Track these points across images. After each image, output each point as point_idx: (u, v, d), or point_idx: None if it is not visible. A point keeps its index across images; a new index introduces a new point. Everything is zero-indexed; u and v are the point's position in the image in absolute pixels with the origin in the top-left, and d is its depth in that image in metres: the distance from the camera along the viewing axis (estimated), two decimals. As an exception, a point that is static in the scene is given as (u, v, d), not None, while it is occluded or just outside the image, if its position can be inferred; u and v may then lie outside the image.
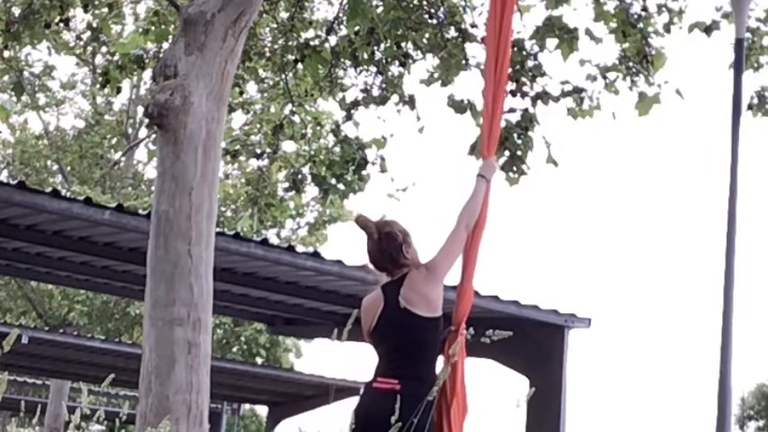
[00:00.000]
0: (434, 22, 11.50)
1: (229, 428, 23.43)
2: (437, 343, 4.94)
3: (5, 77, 15.70)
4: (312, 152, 13.02)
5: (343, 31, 11.96)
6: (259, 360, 26.34)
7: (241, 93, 13.39)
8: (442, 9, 11.54)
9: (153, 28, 11.64)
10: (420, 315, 4.92)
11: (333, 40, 11.99)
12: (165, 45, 11.24)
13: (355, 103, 12.23)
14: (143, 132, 25.66)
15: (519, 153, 11.27)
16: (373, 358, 5.04)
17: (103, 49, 14.58)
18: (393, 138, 12.58)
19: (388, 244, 5.06)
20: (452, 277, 5.13)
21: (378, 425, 4.64)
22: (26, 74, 22.67)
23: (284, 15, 12.44)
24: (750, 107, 11.61)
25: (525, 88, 11.36)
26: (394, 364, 4.89)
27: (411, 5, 11.41)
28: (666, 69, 11.38)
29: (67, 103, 26.24)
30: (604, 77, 11.49)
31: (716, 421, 8.97)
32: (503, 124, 11.32)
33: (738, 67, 9.76)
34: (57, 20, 11.28)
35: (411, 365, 4.86)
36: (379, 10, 11.33)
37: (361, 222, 5.08)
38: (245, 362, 23.47)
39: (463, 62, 11.39)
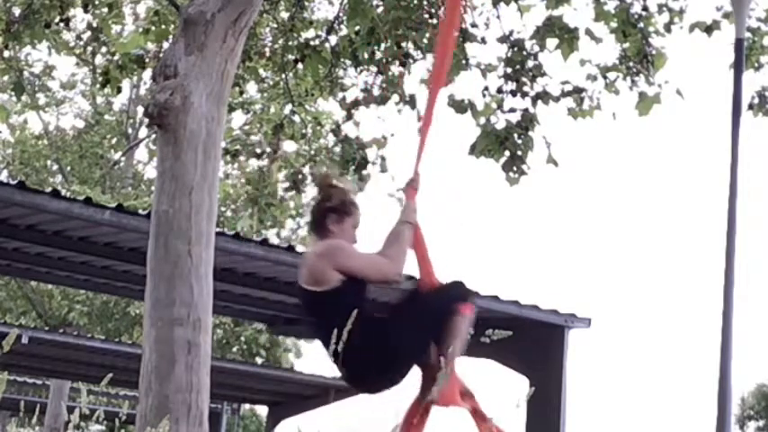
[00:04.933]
0: (434, 22, 11.50)
1: (229, 428, 23.42)
2: (346, 306, 4.51)
3: (5, 77, 15.69)
4: (312, 152, 13.03)
5: (344, 31, 11.97)
6: (259, 360, 26.34)
7: (241, 93, 13.39)
8: (442, 9, 11.53)
9: (153, 28, 11.64)
10: (313, 290, 4.68)
11: (333, 39, 11.99)
12: (165, 45, 11.23)
13: (355, 103, 12.23)
14: (143, 132, 25.68)
15: (519, 153, 11.28)
16: None
17: (103, 49, 14.57)
18: (393, 137, 12.60)
19: (320, 203, 4.84)
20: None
21: None
22: (26, 74, 22.67)
23: (284, 15, 12.45)
24: (750, 107, 11.62)
25: (525, 88, 11.36)
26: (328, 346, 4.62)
27: (411, 5, 11.41)
28: (667, 69, 11.41)
29: (67, 103, 26.24)
30: (604, 77, 11.50)
31: (716, 421, 8.96)
32: (503, 124, 11.37)
33: (738, 67, 9.75)
34: (57, 20, 11.28)
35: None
36: (380, 10, 11.33)
37: (317, 175, 4.96)
38: (245, 362, 23.46)
39: (463, 62, 11.39)
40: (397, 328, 4.66)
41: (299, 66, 11.97)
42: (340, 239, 4.75)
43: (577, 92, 11.43)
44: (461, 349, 4.77)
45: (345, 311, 4.45)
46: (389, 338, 4.62)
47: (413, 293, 4.88)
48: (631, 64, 11.36)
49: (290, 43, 12.06)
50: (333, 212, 4.79)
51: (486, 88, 11.49)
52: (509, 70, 11.37)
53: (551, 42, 11.19)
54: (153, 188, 7.00)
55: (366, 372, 4.67)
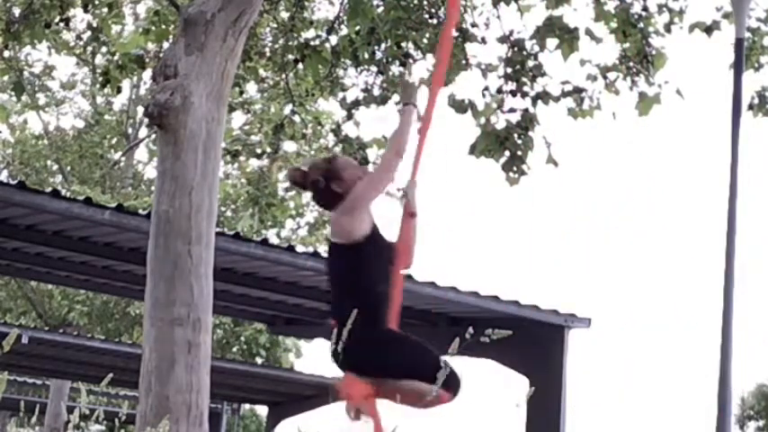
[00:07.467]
0: (434, 22, 11.50)
1: (229, 428, 23.42)
2: (367, 269, 4.76)
3: (5, 77, 15.70)
4: (312, 152, 13.02)
5: (344, 31, 11.96)
6: (259, 360, 26.32)
7: (241, 93, 13.37)
8: (442, 9, 11.53)
9: (153, 28, 11.64)
10: (338, 243, 4.82)
11: (333, 39, 11.98)
12: (165, 45, 11.23)
13: (356, 103, 12.23)
14: (143, 132, 25.68)
15: (519, 153, 11.27)
16: None
17: (103, 49, 14.58)
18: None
19: (318, 193, 4.92)
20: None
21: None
22: (26, 74, 22.67)
23: (284, 15, 12.44)
24: (750, 107, 11.61)
25: (525, 88, 11.36)
26: (332, 302, 4.87)
27: (411, 5, 11.41)
28: (667, 69, 11.39)
29: (67, 103, 26.23)
30: (604, 77, 11.49)
31: (716, 421, 8.97)
32: (503, 124, 11.37)
33: (738, 67, 9.76)
34: (57, 20, 11.28)
35: (344, 300, 4.74)
36: (380, 10, 11.33)
37: (292, 177, 5.02)
38: (245, 362, 23.46)
39: (463, 62, 11.38)
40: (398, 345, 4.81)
41: (300, 66, 11.96)
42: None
43: (577, 92, 11.43)
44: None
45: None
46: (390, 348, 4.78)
47: (413, 339, 4.89)
48: (631, 64, 11.35)
49: (290, 43, 12.05)
50: (330, 184, 4.86)
51: (487, 88, 11.48)
52: (509, 70, 11.36)
53: (551, 42, 11.19)
54: (153, 188, 7.00)
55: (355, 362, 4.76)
